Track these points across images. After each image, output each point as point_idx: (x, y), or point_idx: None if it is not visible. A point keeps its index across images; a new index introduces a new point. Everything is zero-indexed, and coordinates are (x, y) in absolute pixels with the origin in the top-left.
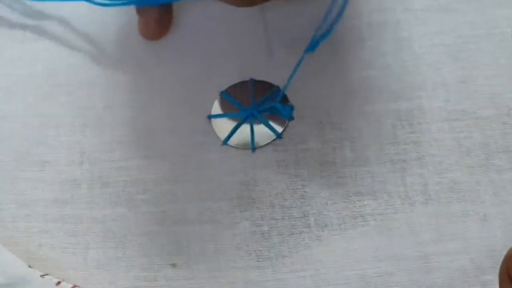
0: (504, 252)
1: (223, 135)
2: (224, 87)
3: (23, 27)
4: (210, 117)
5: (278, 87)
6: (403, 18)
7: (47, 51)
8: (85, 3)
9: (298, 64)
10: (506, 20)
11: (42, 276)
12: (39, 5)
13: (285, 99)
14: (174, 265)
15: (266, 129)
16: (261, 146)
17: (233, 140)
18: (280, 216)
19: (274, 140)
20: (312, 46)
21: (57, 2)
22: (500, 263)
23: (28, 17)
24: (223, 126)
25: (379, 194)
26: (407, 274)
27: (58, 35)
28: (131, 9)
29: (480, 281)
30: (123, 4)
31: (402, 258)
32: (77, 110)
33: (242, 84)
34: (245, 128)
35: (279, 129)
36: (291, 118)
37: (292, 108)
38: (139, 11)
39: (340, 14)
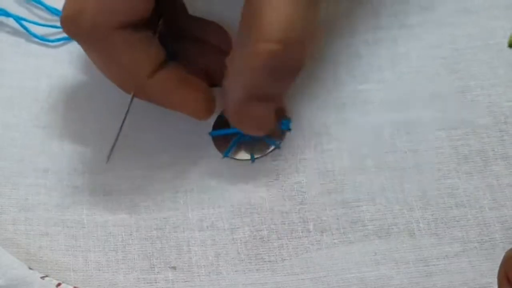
0: (503, 255)
1: (223, 149)
2: None
3: (28, 42)
4: (211, 133)
5: None
6: (400, 34)
7: (51, 68)
8: None
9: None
10: (502, 31)
11: (42, 277)
12: (43, 19)
13: (282, 111)
14: (174, 268)
15: (265, 141)
16: (260, 157)
17: (233, 153)
18: (280, 221)
19: (272, 150)
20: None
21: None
22: (498, 266)
23: (33, 34)
24: (223, 141)
25: (377, 200)
26: (407, 277)
27: (61, 53)
28: None
29: (479, 284)
30: None
31: (401, 262)
32: (79, 122)
33: None
34: (244, 141)
35: (277, 140)
36: (288, 129)
37: (289, 120)
38: None
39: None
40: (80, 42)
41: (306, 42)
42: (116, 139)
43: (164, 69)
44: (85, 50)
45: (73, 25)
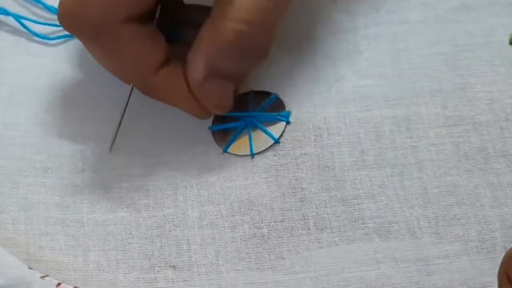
0: (503, 254)
1: (223, 144)
2: None
3: (28, 41)
4: (211, 128)
5: (275, 94)
6: (400, 30)
7: (51, 66)
8: None
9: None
10: (503, 29)
11: (42, 277)
12: (42, 18)
13: (281, 106)
14: (174, 267)
15: (265, 135)
16: (260, 152)
17: (232, 148)
18: (280, 219)
19: (272, 145)
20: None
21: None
22: (499, 265)
23: (33, 32)
24: (223, 135)
25: (378, 197)
26: (407, 276)
27: (60, 51)
28: None
29: (479, 283)
30: None
31: (401, 260)
32: (79, 120)
33: (241, 96)
34: (244, 135)
35: (277, 134)
36: (288, 122)
37: (289, 113)
38: None
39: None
40: (81, 37)
41: (272, 27)
42: (117, 130)
43: (168, 65)
44: (86, 45)
45: (76, 20)
